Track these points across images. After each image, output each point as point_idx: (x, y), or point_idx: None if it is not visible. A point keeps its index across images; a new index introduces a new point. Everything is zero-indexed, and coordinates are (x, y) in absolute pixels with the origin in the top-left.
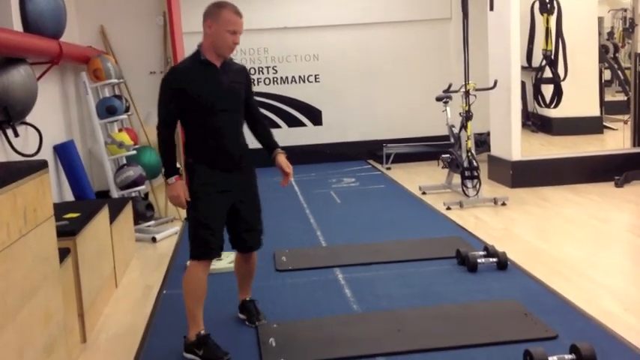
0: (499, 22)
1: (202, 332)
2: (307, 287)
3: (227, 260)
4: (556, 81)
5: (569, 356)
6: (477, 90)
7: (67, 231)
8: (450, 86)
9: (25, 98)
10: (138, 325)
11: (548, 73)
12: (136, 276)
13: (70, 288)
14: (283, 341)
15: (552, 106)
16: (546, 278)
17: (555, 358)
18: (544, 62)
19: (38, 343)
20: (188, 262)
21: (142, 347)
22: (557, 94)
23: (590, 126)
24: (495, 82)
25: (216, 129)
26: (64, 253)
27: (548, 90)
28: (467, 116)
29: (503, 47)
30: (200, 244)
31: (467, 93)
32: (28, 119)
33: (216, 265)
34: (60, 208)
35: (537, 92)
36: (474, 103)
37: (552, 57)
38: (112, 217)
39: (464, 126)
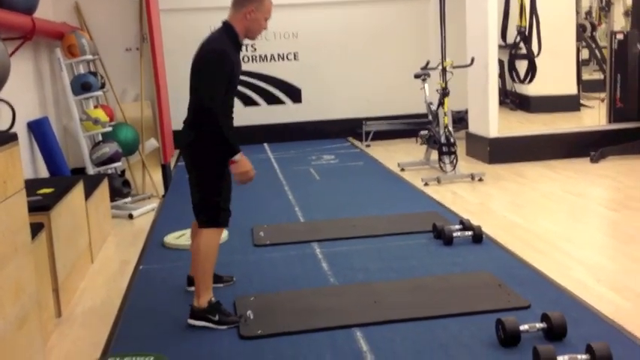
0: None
1: (213, 299)
2: (284, 262)
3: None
4: (530, 57)
5: (540, 324)
6: (454, 67)
7: (41, 206)
8: (427, 63)
9: None
10: (113, 300)
11: (522, 50)
12: (112, 252)
13: (44, 263)
14: (260, 313)
15: (526, 81)
16: (521, 251)
17: (527, 326)
18: (518, 38)
19: (9, 314)
20: (205, 230)
21: (117, 321)
22: (532, 69)
23: (567, 104)
24: (472, 60)
25: (230, 108)
26: (37, 228)
27: (522, 66)
28: (444, 93)
29: (480, 25)
30: (225, 212)
31: (444, 70)
32: (0, 95)
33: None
34: (34, 184)
35: (512, 68)
36: (451, 80)
37: (526, 33)
38: (88, 193)
39: (441, 103)
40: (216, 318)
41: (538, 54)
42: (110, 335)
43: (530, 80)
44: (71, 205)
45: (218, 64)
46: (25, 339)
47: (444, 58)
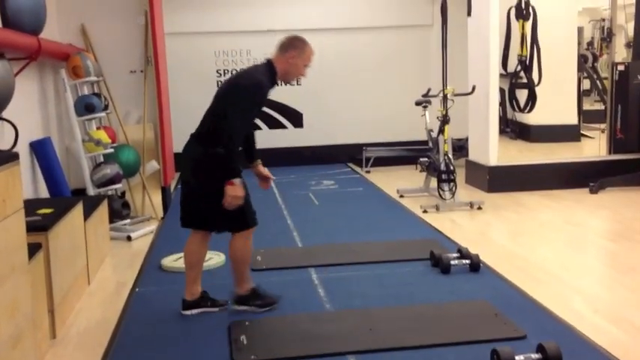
0: (478, 28)
1: (254, 285)
2: (281, 286)
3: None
4: (530, 86)
5: (536, 355)
6: (455, 95)
7: (40, 226)
8: (428, 91)
9: (1, 93)
10: (109, 321)
11: (523, 79)
12: (109, 273)
13: (40, 283)
14: (254, 338)
15: (526, 110)
16: (518, 280)
17: (522, 357)
18: (519, 67)
19: (3, 333)
20: (236, 235)
21: (111, 343)
22: (532, 99)
23: (567, 134)
24: (474, 88)
25: (248, 134)
26: (35, 248)
27: (523, 95)
28: (444, 120)
29: (481, 53)
30: (253, 214)
31: (445, 97)
32: (4, 115)
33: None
34: (34, 204)
35: (512, 97)
36: (451, 108)
37: (527, 62)
38: (87, 214)
39: (441, 130)
40: (259, 302)
41: (538, 83)
42: (104, 358)
43: (531, 109)
44: (70, 226)
45: (251, 93)
46: (19, 359)
47: (445, 85)
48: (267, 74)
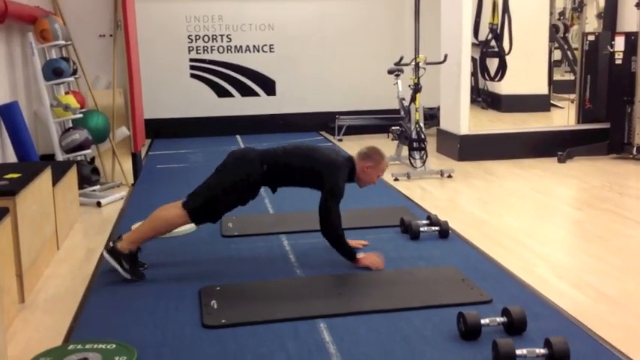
0: None
1: (134, 250)
2: (252, 253)
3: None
4: (501, 54)
5: (501, 318)
6: (427, 64)
7: (6, 191)
8: (401, 59)
9: None
10: (78, 287)
11: (494, 47)
12: (78, 239)
13: (8, 248)
14: (225, 303)
15: (497, 79)
16: (486, 247)
17: (487, 320)
18: (490, 36)
19: None
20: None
21: (80, 308)
22: (502, 67)
23: (538, 104)
24: (446, 57)
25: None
26: (2, 213)
27: (493, 64)
28: (416, 89)
29: (454, 22)
30: (206, 214)
31: (417, 66)
32: None
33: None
34: (1, 169)
35: (483, 66)
36: (423, 77)
37: (498, 31)
38: (55, 180)
39: (413, 99)
40: (127, 266)
41: (509, 52)
42: (73, 322)
43: (501, 78)
44: (38, 191)
45: (342, 177)
46: None
47: (417, 53)
48: (347, 172)
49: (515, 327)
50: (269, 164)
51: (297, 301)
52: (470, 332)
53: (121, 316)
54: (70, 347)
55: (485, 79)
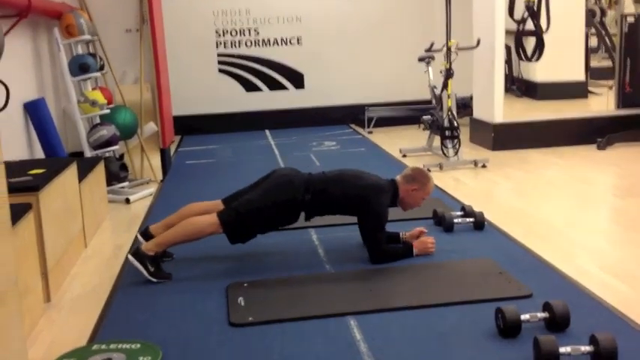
0: None
1: (160, 252)
2: (280, 247)
3: None
4: (538, 33)
5: (542, 314)
6: (459, 49)
7: (30, 186)
8: (431, 45)
9: None
10: (104, 285)
11: (530, 27)
12: (106, 236)
13: (31, 245)
14: (252, 300)
15: (534, 59)
16: (524, 238)
17: (528, 315)
18: (526, 14)
19: None
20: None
21: (107, 308)
22: (539, 46)
23: (574, 91)
24: (479, 41)
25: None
26: (24, 209)
27: (530, 45)
28: (448, 74)
29: (487, 5)
30: (242, 229)
31: (448, 50)
32: None
33: None
34: (26, 165)
35: (519, 45)
36: (455, 64)
37: (535, 8)
38: (82, 176)
39: (445, 85)
40: (152, 269)
41: (547, 30)
42: (98, 322)
43: (538, 57)
44: (63, 187)
45: (385, 208)
46: (3, 319)
47: (448, 37)
48: (390, 196)
49: (557, 323)
50: (313, 193)
51: (326, 297)
52: (509, 329)
53: (147, 314)
54: (94, 347)
55: (522, 60)
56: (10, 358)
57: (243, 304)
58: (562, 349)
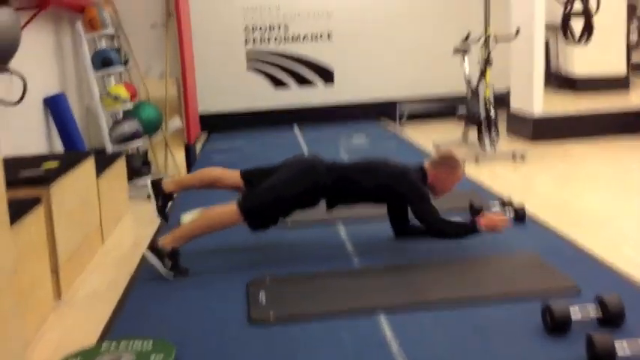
0: None
1: (177, 248)
2: (305, 241)
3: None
4: (587, 13)
5: (594, 309)
6: (497, 39)
7: (39, 180)
8: (468, 35)
9: (4, 43)
10: (120, 282)
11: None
12: (125, 232)
13: (41, 241)
14: (275, 296)
15: (583, 41)
16: (567, 230)
17: (578, 311)
18: None
19: None
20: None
21: (120, 303)
22: (588, 28)
23: (615, 86)
24: (518, 30)
25: None
26: (33, 203)
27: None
28: (486, 62)
29: None
30: (265, 218)
31: (487, 37)
32: (13, 67)
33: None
34: (41, 159)
35: (565, 26)
36: (494, 50)
37: None
38: (101, 170)
39: (483, 73)
40: (169, 264)
41: (597, 11)
42: (111, 318)
43: (587, 40)
44: (78, 181)
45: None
46: None
47: (487, 24)
48: (422, 180)
49: (611, 319)
50: (336, 178)
51: (354, 292)
52: (558, 326)
53: (162, 311)
54: (103, 347)
55: (568, 42)
56: (8, 356)
57: (264, 300)
58: (617, 344)
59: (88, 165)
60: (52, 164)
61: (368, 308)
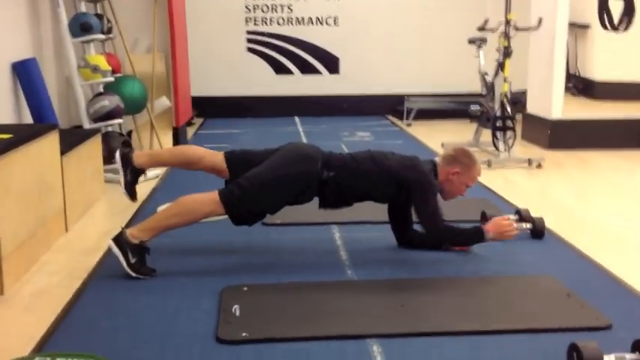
0: None
1: (146, 244)
2: (294, 245)
3: None
4: None
5: (632, 356)
6: (517, 30)
7: None
8: (485, 22)
9: None
10: (75, 279)
11: None
12: (94, 220)
13: None
14: (250, 309)
15: (622, 27)
16: (592, 252)
17: (613, 357)
18: None
19: None
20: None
21: (69, 306)
22: (629, 13)
23: (638, 92)
24: (540, 21)
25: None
26: None
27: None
28: (506, 53)
29: None
30: (250, 215)
31: (507, 23)
32: None
33: None
34: None
35: (603, 10)
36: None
37: None
38: (67, 148)
39: (501, 65)
40: (133, 260)
41: None
42: (53, 325)
43: (627, 26)
44: (34, 158)
45: (434, 190)
46: None
47: (508, 9)
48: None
49: None
50: (333, 169)
51: (345, 312)
52: None
53: (116, 319)
54: None
55: (605, 28)
56: None
57: (238, 313)
58: None
59: (50, 140)
60: (3, 136)
61: (359, 334)
